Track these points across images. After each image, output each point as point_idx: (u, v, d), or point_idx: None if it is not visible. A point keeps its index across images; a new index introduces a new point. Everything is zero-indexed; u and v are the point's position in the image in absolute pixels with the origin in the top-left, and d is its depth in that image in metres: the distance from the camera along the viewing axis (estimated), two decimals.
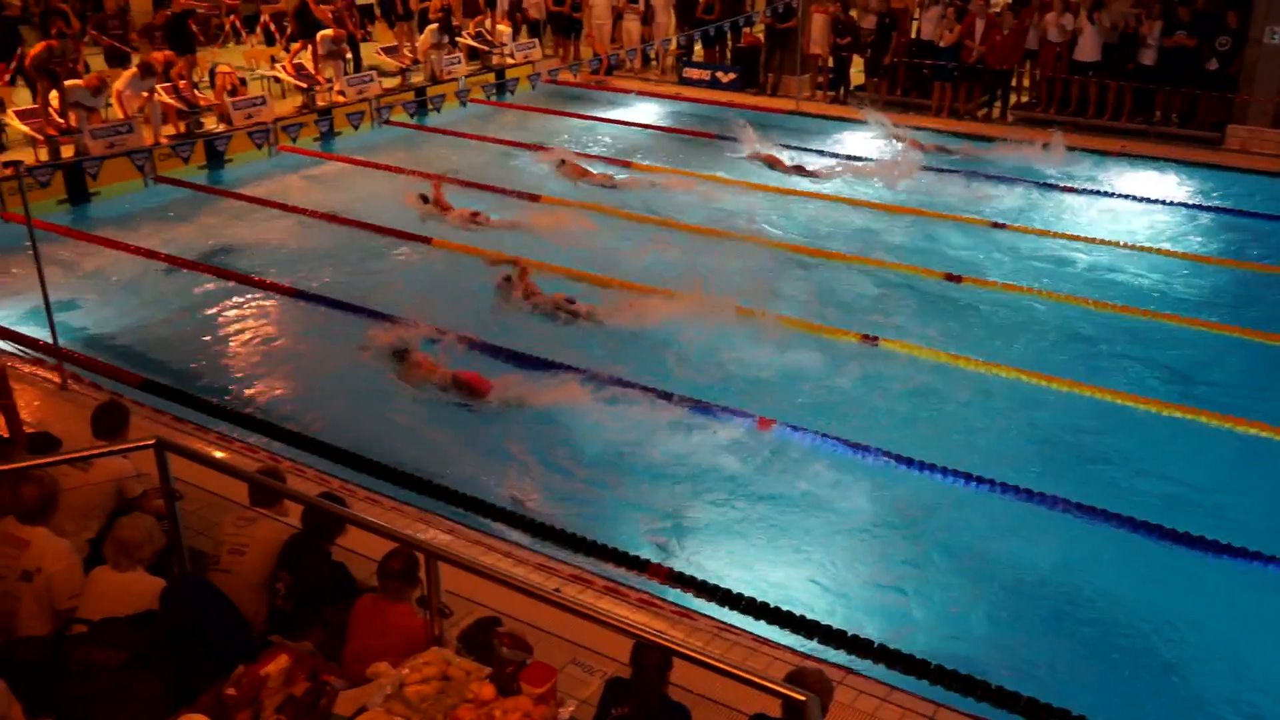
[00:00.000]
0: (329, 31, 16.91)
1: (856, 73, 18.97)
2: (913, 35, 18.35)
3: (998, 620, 6.43)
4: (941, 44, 17.22)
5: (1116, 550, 6.98)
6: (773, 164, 15.27)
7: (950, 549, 7.03)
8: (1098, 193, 14.13)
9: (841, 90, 18.82)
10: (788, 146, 16.01)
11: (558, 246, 11.83)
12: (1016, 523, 7.25)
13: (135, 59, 15.45)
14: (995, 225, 12.90)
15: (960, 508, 7.43)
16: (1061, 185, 14.36)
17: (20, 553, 4.92)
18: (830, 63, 18.77)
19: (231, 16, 19.37)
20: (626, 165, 15.29)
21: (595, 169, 14.90)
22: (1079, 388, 8.95)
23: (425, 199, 13.08)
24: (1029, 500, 7.40)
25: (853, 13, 18.27)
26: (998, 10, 17.63)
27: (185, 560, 5.04)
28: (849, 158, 15.67)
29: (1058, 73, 16.69)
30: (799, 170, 15.01)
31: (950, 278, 11.27)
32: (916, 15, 18.63)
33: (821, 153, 16.04)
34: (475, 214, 12.82)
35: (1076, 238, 12.49)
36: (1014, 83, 17.82)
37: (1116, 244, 12.26)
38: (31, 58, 13.95)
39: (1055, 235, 12.61)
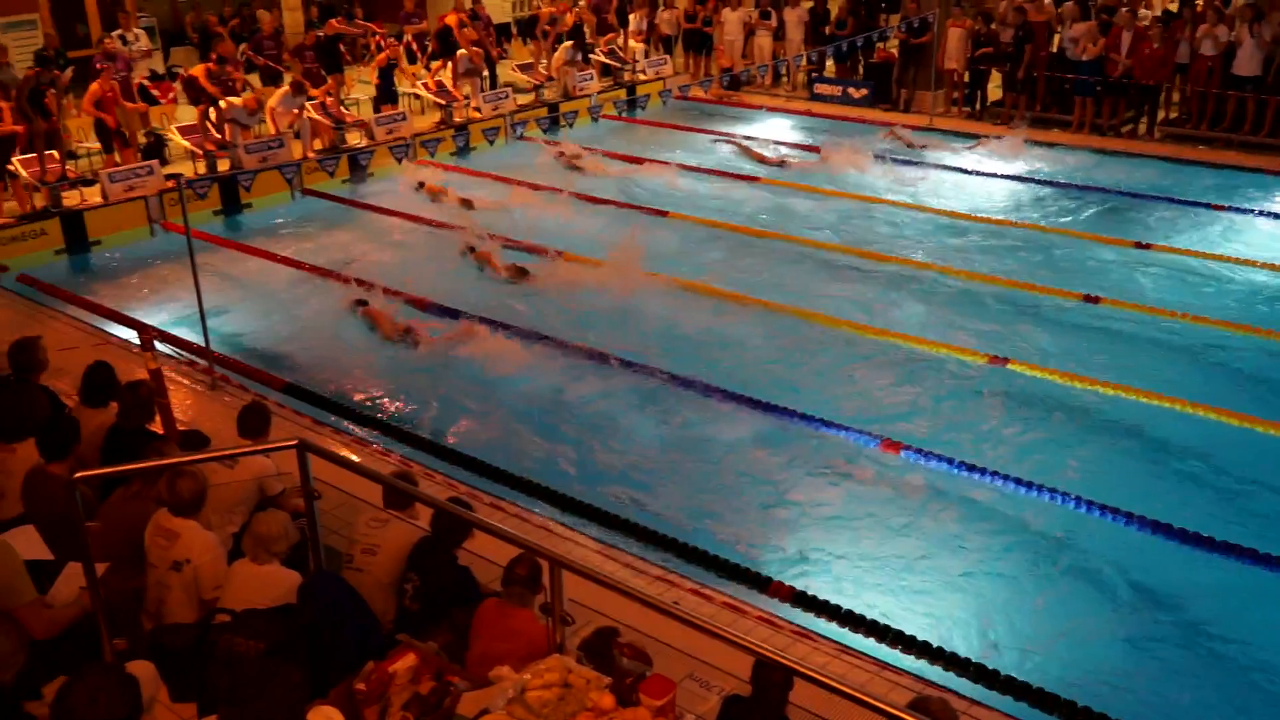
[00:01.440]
0: (467, 50, 17.39)
1: (994, 88, 18.49)
2: (1054, 49, 17.78)
3: (1131, 655, 6.17)
4: (1085, 58, 16.63)
5: (1266, 590, 6.61)
6: (757, 158, 16.18)
7: (1084, 580, 6.78)
8: (1254, 212, 13.45)
9: (977, 105, 18.37)
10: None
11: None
12: (1157, 557, 6.93)
13: (287, 78, 16.18)
14: (1139, 245, 12.39)
15: (1096, 538, 7.15)
16: (1216, 204, 13.72)
17: (171, 544, 5.19)
18: (966, 78, 18.35)
19: (376, 37, 20.12)
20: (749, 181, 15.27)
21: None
22: (1227, 416, 8.52)
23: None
24: (1170, 535, 7.06)
25: (993, 26, 17.82)
26: (1146, 23, 16.93)
27: (321, 557, 5.23)
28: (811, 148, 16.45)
29: (1210, 87, 15.93)
30: (781, 163, 15.91)
31: (1088, 299, 10.87)
32: (1059, 29, 18.04)
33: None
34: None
35: (1228, 258, 11.90)
36: (1162, 98, 17.09)
37: (1271, 266, 11.65)
38: (201, 78, 14.86)
39: (1205, 256, 12.04)
